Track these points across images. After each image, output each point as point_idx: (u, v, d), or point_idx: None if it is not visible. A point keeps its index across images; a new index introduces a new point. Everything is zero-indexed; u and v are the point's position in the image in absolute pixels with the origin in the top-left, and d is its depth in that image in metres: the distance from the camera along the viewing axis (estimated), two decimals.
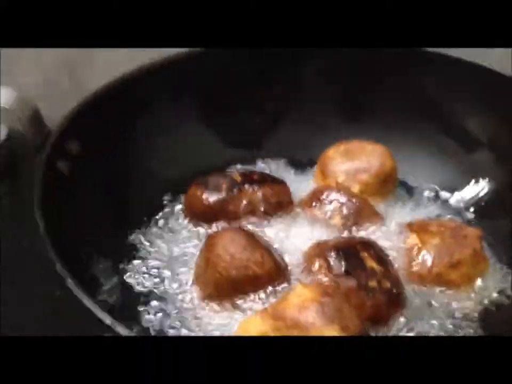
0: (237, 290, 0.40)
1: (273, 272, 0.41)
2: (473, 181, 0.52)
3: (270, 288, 0.41)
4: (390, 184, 0.56)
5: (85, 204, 0.44)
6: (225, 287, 0.40)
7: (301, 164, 0.58)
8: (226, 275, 0.40)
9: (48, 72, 0.69)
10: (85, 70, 0.71)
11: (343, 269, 0.42)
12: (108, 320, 0.33)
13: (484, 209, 0.51)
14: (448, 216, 0.52)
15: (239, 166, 0.56)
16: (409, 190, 0.56)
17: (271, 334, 0.35)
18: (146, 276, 0.45)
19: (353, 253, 0.44)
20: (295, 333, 0.35)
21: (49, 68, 0.68)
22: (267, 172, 0.56)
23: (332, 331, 0.34)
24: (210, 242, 0.42)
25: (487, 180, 0.51)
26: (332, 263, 0.43)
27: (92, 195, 0.45)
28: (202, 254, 0.43)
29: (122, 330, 0.33)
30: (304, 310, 0.35)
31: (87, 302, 0.33)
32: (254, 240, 0.42)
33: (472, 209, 0.52)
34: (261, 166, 0.58)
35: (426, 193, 0.55)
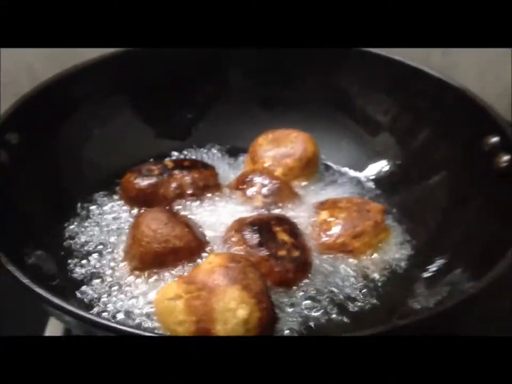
0: (160, 262, 0.46)
1: (192, 245, 0.46)
2: (381, 160, 0.58)
3: (190, 260, 0.46)
4: (312, 167, 0.61)
5: (25, 192, 0.48)
6: (149, 260, 0.45)
7: (235, 153, 0.63)
8: (150, 248, 0.45)
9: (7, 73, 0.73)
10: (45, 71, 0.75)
11: (256, 241, 0.48)
12: (47, 295, 0.36)
13: (391, 185, 0.57)
14: (361, 193, 0.59)
15: (174, 156, 0.62)
16: (329, 172, 0.62)
17: (184, 296, 0.41)
18: (84, 258, 0.49)
19: (267, 227, 0.49)
20: (203, 294, 0.40)
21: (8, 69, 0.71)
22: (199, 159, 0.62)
23: (234, 290, 0.40)
24: (136, 221, 0.47)
25: (391, 159, 0.57)
26: (246, 236, 0.48)
27: (31, 184, 0.49)
28: (130, 232, 0.48)
29: (58, 301, 0.36)
30: (212, 273, 0.41)
31: (28, 283, 0.36)
32: (174, 218, 0.47)
33: (381, 187, 0.58)
34: (196, 156, 0.63)
35: (342, 173, 0.61)
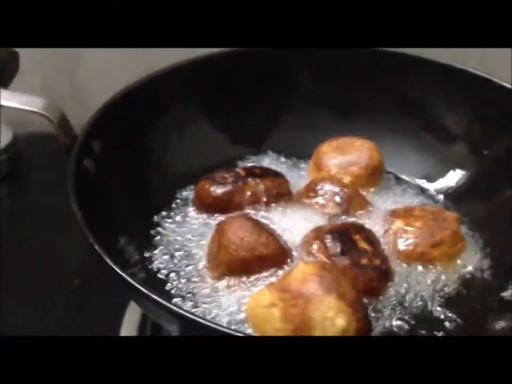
0: (247, 269, 0.46)
1: (278, 253, 0.47)
2: (451, 171, 0.58)
3: (275, 267, 0.47)
4: (377, 176, 0.62)
5: (109, 198, 0.50)
6: (236, 267, 0.46)
7: (297, 159, 0.64)
8: (237, 256, 0.45)
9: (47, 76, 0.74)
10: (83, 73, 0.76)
11: (338, 249, 0.48)
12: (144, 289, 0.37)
13: (460, 195, 0.57)
14: (430, 202, 0.59)
15: (241, 162, 0.62)
16: (395, 181, 0.62)
17: (279, 304, 0.41)
18: (164, 262, 0.50)
19: (347, 235, 0.50)
20: (299, 302, 0.40)
21: (49, 72, 0.72)
22: (267, 166, 0.62)
23: (331, 299, 0.40)
24: (220, 229, 0.48)
25: (463, 169, 0.57)
26: (328, 245, 0.48)
27: (115, 190, 0.50)
28: (214, 239, 0.48)
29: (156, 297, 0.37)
30: (306, 282, 0.41)
31: (121, 272, 0.38)
32: (259, 225, 0.47)
33: (450, 197, 0.58)
34: (262, 161, 0.64)
35: (409, 183, 0.61)
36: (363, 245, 0.50)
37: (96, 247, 0.38)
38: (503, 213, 0.52)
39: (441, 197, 0.59)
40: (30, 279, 0.58)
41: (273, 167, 0.62)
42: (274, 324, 0.40)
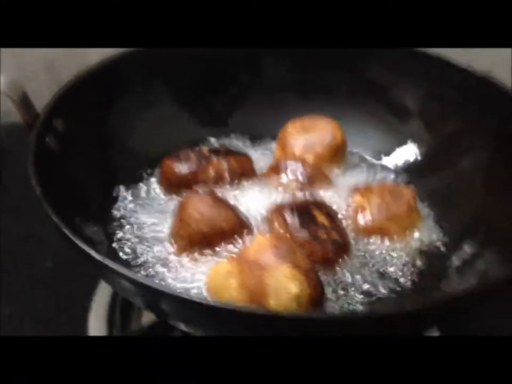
0: (208, 243, 0.47)
1: (237, 227, 0.48)
2: (408, 146, 0.60)
3: (235, 241, 0.48)
4: (340, 154, 0.63)
5: (72, 175, 0.50)
6: (197, 241, 0.47)
7: (264, 140, 0.65)
8: (198, 230, 0.47)
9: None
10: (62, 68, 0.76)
11: (297, 223, 0.50)
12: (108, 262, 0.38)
13: (418, 170, 0.59)
14: (390, 178, 0.61)
15: (208, 143, 0.64)
16: (358, 159, 0.64)
17: (236, 273, 0.42)
18: (128, 238, 0.51)
19: (306, 211, 0.51)
20: (255, 272, 0.42)
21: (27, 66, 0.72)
22: (233, 147, 0.64)
23: (284, 267, 0.41)
24: (182, 205, 0.49)
25: (419, 145, 0.59)
26: (287, 219, 0.50)
27: (78, 168, 0.51)
28: (177, 215, 0.49)
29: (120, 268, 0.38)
30: (262, 253, 0.42)
31: (86, 248, 0.38)
32: (219, 201, 0.49)
33: (408, 172, 0.60)
34: (228, 142, 0.65)
35: (371, 160, 0.63)
36: (322, 219, 0.51)
37: (54, 219, 0.39)
38: (456, 186, 0.55)
39: (400, 172, 0.60)
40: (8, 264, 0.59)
41: (240, 148, 0.64)
42: (232, 292, 0.42)
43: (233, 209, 0.49)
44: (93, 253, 0.39)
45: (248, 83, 0.65)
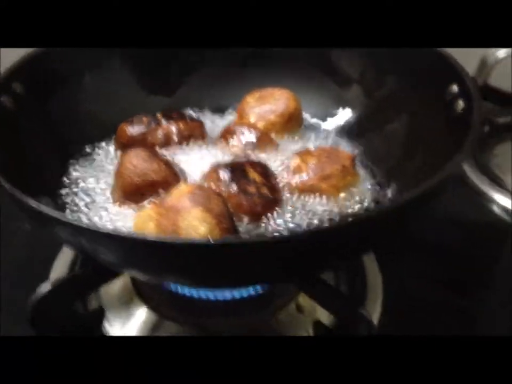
0: (140, 193, 0.52)
1: (169, 179, 0.52)
2: (348, 110, 0.63)
3: (167, 192, 0.52)
4: (294, 122, 0.66)
5: (27, 139, 0.55)
6: (131, 192, 0.51)
7: (225, 111, 0.69)
8: (131, 181, 0.51)
9: None
10: None
11: (228, 178, 0.53)
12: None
13: (359, 133, 0.61)
14: (335, 142, 0.63)
15: None
16: (311, 126, 0.67)
17: (155, 217, 0.46)
18: (76, 191, 0.56)
19: (241, 168, 0.54)
20: (171, 215, 0.46)
21: None
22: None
23: (197, 211, 0.45)
24: (120, 160, 0.54)
25: (358, 110, 0.62)
26: (220, 174, 0.53)
27: (34, 132, 0.56)
28: (116, 169, 0.54)
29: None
30: (180, 198, 0.46)
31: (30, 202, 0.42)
32: (154, 155, 0.53)
33: (351, 135, 0.62)
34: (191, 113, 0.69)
35: (321, 127, 0.66)
36: (255, 176, 0.54)
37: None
38: (390, 145, 0.57)
39: (346, 138, 0.63)
40: None
41: (205, 120, 0.67)
42: (150, 233, 0.45)
43: (167, 164, 0.53)
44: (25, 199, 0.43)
45: (213, 58, 0.68)
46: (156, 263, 0.42)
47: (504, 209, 0.68)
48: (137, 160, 0.51)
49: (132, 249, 0.39)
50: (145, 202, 0.52)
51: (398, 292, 0.57)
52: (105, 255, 0.44)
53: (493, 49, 0.51)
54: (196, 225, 0.44)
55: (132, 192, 0.51)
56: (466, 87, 0.51)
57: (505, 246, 0.65)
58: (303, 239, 0.37)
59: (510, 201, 0.69)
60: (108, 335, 0.55)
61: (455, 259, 0.62)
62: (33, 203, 0.42)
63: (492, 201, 0.69)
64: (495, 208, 0.69)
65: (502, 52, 0.50)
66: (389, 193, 0.54)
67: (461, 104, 0.51)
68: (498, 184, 0.71)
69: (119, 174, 0.52)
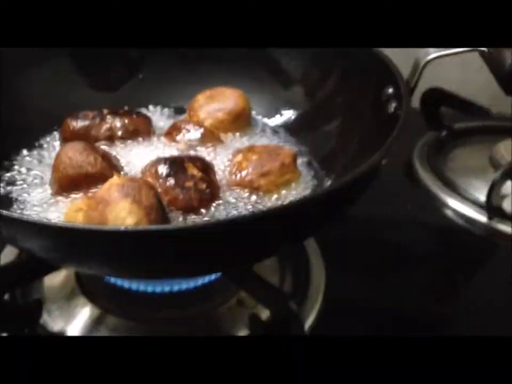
0: (75, 186, 0.52)
1: (105, 172, 0.52)
2: (292, 110, 0.64)
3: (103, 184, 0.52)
4: (242, 121, 0.66)
5: None
6: (66, 184, 0.52)
7: (179, 112, 0.69)
8: (66, 173, 0.51)
9: None
10: None
11: (165, 172, 0.53)
12: None
13: (301, 132, 0.62)
14: (279, 140, 0.64)
15: None
16: (259, 125, 0.67)
17: (84, 208, 0.46)
18: (15, 184, 0.56)
19: (180, 163, 0.55)
20: (100, 207, 0.46)
21: None
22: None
23: (125, 202, 0.45)
24: (58, 152, 0.54)
25: (302, 109, 0.63)
26: (158, 168, 0.54)
27: None
28: (54, 161, 0.54)
29: None
30: (109, 190, 0.46)
31: None
32: (90, 148, 0.53)
33: (294, 134, 0.63)
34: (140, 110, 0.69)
35: (267, 125, 0.66)
36: (193, 171, 0.54)
37: None
38: (329, 144, 0.58)
39: (290, 136, 0.64)
40: None
41: (154, 118, 0.67)
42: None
43: (104, 157, 0.53)
44: None
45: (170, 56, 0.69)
46: (74, 252, 0.41)
47: (457, 213, 0.69)
48: (73, 153, 0.51)
49: (44, 236, 0.39)
50: (79, 195, 0.52)
51: (341, 290, 0.58)
52: (24, 243, 0.44)
53: (424, 50, 0.52)
54: (123, 216, 0.44)
55: (67, 184, 0.51)
56: (398, 89, 0.52)
57: (457, 250, 0.66)
58: (212, 227, 0.38)
59: (463, 205, 0.69)
60: (46, 327, 0.55)
61: (407, 261, 0.63)
62: None
63: (446, 205, 0.70)
64: (449, 212, 0.70)
65: (432, 51, 0.52)
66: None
67: (393, 104, 0.52)
68: (452, 188, 0.72)
69: (55, 166, 0.52)
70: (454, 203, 0.70)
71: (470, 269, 0.64)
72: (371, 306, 0.56)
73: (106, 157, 0.53)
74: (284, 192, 0.56)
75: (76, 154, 0.51)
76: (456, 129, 0.83)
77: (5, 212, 0.39)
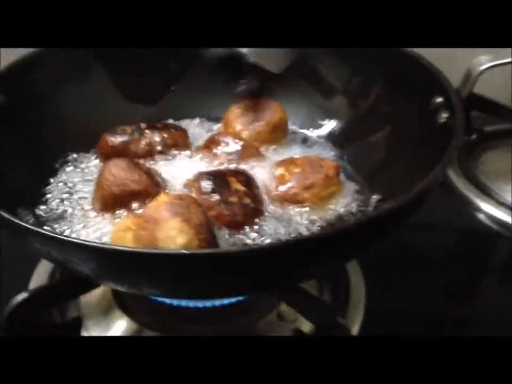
0: (120, 203, 0.51)
1: (149, 189, 0.51)
2: (333, 120, 0.63)
3: (148, 201, 0.51)
4: (279, 132, 0.65)
5: (7, 151, 0.54)
6: (110, 201, 0.51)
7: (213, 122, 0.68)
8: (110, 191, 0.51)
9: None
10: None
11: (210, 188, 0.52)
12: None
13: (344, 143, 0.61)
14: (319, 151, 0.63)
15: None
16: (297, 136, 0.66)
17: (133, 227, 0.45)
18: (58, 203, 0.56)
19: (222, 178, 0.54)
20: (149, 226, 0.45)
21: None
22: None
23: (175, 221, 0.44)
24: (101, 169, 0.53)
25: (342, 119, 0.62)
26: (202, 184, 0.53)
27: (15, 144, 0.55)
28: (96, 179, 0.53)
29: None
30: (158, 208, 0.46)
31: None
32: (134, 165, 0.52)
33: (337, 145, 0.62)
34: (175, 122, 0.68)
35: (308, 136, 0.66)
36: (237, 186, 0.54)
37: None
38: (374, 155, 0.57)
39: (332, 147, 0.63)
40: None
41: (191, 130, 0.66)
42: (127, 243, 0.44)
43: (148, 174, 0.52)
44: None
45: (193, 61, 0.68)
46: (129, 274, 0.41)
47: (489, 216, 0.68)
48: (117, 170, 0.50)
49: (102, 259, 0.38)
50: (125, 213, 0.51)
51: (382, 301, 0.57)
52: (79, 266, 0.43)
53: (477, 60, 0.51)
54: (173, 236, 0.44)
55: (111, 202, 0.51)
56: (449, 98, 0.51)
57: (491, 255, 0.64)
58: (275, 249, 0.37)
59: (495, 209, 0.68)
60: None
61: (441, 267, 0.62)
62: (4, 214, 0.41)
63: (478, 209, 0.69)
64: (481, 216, 0.68)
65: (485, 61, 0.50)
66: (373, 202, 0.54)
67: (443, 115, 0.51)
68: (484, 192, 0.70)
69: (99, 184, 0.52)
70: (485, 206, 0.69)
71: (503, 273, 0.62)
72: (415, 310, 0.55)
73: (149, 173, 0.53)
74: (327, 204, 0.56)
75: (120, 172, 0.50)
76: (487, 132, 0.82)
77: (60, 236, 0.39)
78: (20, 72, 0.58)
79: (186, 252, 0.37)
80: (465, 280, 0.60)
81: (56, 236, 0.40)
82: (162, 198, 0.47)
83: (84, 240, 0.39)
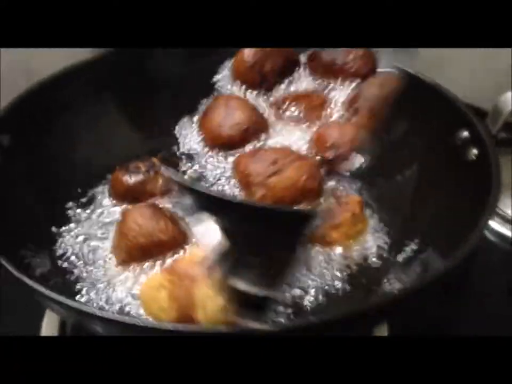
0: (146, 254, 0.48)
1: (176, 238, 0.49)
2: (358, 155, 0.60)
3: (174, 251, 0.49)
4: None
5: (16, 193, 0.51)
6: (135, 253, 0.48)
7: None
8: (136, 242, 0.48)
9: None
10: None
11: None
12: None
13: (366, 179, 0.58)
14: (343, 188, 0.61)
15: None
16: None
17: (167, 285, 0.43)
18: (71, 252, 0.52)
19: None
20: (185, 283, 0.43)
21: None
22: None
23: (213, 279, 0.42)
24: (123, 217, 0.50)
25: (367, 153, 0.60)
26: None
27: (23, 185, 0.52)
28: (117, 227, 0.50)
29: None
30: (193, 264, 0.43)
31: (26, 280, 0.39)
32: (159, 212, 0.49)
33: (358, 180, 0.58)
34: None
35: None
36: None
37: None
38: (403, 192, 0.55)
39: (352, 181, 0.60)
40: None
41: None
42: (161, 303, 0.42)
43: (173, 220, 0.50)
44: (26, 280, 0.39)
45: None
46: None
47: (490, 230, 0.66)
48: (142, 219, 0.47)
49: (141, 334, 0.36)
50: (149, 264, 0.49)
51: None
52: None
53: (504, 97, 0.50)
54: (212, 295, 0.41)
55: (138, 253, 0.48)
56: (477, 133, 0.50)
57: (492, 268, 0.64)
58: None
59: (495, 222, 0.65)
60: None
61: None
62: (25, 279, 0.38)
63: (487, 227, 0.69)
64: (489, 235, 0.68)
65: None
66: (407, 249, 0.52)
67: (473, 150, 0.50)
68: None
69: (122, 234, 0.48)
70: (495, 225, 0.67)
71: (499, 285, 0.61)
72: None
73: (174, 220, 0.50)
74: (354, 242, 0.54)
75: (145, 221, 0.47)
76: (499, 139, 0.80)
77: (99, 312, 0.36)
78: (23, 109, 0.53)
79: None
80: (465, 292, 0.59)
81: (83, 309, 0.37)
82: (195, 251, 0.45)
83: (119, 316, 0.36)
